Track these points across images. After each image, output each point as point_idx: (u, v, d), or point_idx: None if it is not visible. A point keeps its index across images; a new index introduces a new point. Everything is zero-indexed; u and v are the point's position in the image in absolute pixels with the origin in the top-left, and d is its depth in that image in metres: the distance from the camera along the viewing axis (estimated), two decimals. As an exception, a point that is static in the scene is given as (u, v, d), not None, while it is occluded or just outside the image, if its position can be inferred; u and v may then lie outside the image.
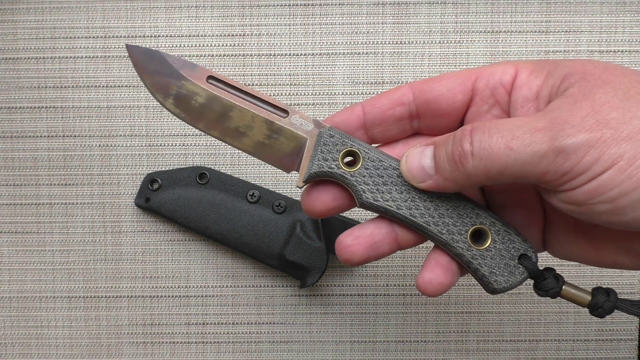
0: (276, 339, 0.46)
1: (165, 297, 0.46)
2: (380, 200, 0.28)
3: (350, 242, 0.28)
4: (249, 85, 0.45)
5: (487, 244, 0.27)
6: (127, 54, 0.45)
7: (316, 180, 0.29)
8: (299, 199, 0.44)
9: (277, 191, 0.44)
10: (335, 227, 0.42)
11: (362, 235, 0.28)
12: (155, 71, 0.29)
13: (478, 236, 0.28)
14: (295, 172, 0.30)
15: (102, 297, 0.46)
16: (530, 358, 0.46)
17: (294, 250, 0.42)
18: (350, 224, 0.42)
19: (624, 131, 0.22)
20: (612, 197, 0.22)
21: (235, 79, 0.45)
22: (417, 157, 0.27)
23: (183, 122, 0.45)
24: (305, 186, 0.29)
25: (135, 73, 0.45)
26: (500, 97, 0.27)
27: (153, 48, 0.30)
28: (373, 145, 0.29)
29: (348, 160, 0.28)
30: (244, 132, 0.29)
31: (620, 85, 0.23)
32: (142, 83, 0.45)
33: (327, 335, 0.46)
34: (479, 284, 0.28)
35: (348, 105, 0.45)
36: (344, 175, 0.28)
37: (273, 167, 0.45)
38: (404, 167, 0.27)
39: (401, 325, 0.46)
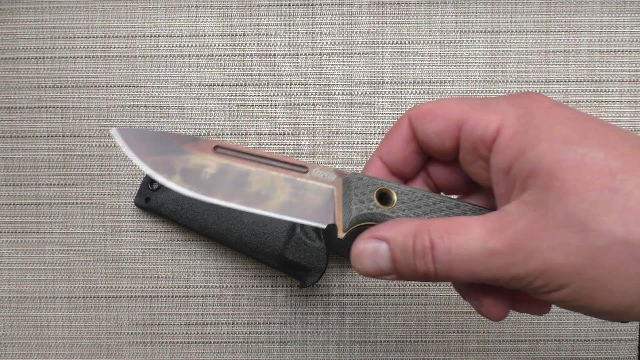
0: (276, 339, 0.46)
1: (165, 297, 0.46)
2: None
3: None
4: (249, 85, 0.45)
5: None
6: (127, 53, 0.45)
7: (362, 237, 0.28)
8: (299, 199, 0.44)
9: (277, 191, 0.44)
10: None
11: None
12: (153, 151, 0.27)
13: None
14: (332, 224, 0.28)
15: (102, 297, 0.46)
16: (531, 358, 0.46)
17: (294, 250, 0.42)
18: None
19: (574, 262, 0.21)
20: (566, 307, 0.23)
21: (235, 79, 0.45)
22: (372, 258, 0.25)
23: (183, 122, 0.45)
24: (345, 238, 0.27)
25: (136, 72, 0.45)
26: (483, 153, 0.25)
27: (145, 128, 0.28)
28: None
29: (381, 199, 0.28)
30: (266, 195, 0.27)
31: (587, 199, 0.21)
32: (142, 83, 0.45)
33: (327, 335, 0.46)
34: None
35: (347, 107, 0.45)
36: (384, 213, 0.27)
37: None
38: (359, 267, 0.26)
39: (401, 325, 0.46)
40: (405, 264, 0.24)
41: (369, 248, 0.25)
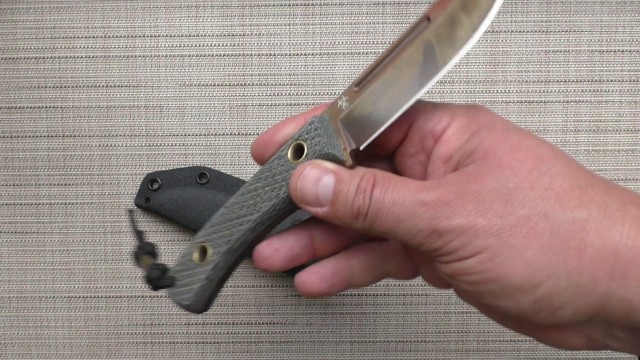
0: (276, 339, 0.46)
1: (165, 297, 0.46)
2: None
3: (270, 253, 0.28)
4: (249, 85, 0.45)
5: None
6: (127, 53, 0.45)
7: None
8: (299, 199, 0.44)
9: (277, 191, 0.44)
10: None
11: (281, 248, 0.28)
12: None
13: None
14: None
15: (102, 297, 0.46)
16: (531, 358, 0.45)
17: (293, 250, 0.42)
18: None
19: (496, 225, 0.22)
20: (472, 281, 0.23)
21: (235, 79, 0.45)
22: (314, 185, 0.26)
23: (183, 122, 0.45)
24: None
25: (136, 72, 0.45)
26: (428, 145, 0.27)
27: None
28: None
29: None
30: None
31: (518, 174, 0.23)
32: (142, 83, 0.45)
33: (327, 335, 0.46)
34: None
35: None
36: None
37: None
38: (296, 188, 0.26)
39: (401, 325, 0.46)
40: (345, 198, 0.25)
41: (315, 173, 0.26)
